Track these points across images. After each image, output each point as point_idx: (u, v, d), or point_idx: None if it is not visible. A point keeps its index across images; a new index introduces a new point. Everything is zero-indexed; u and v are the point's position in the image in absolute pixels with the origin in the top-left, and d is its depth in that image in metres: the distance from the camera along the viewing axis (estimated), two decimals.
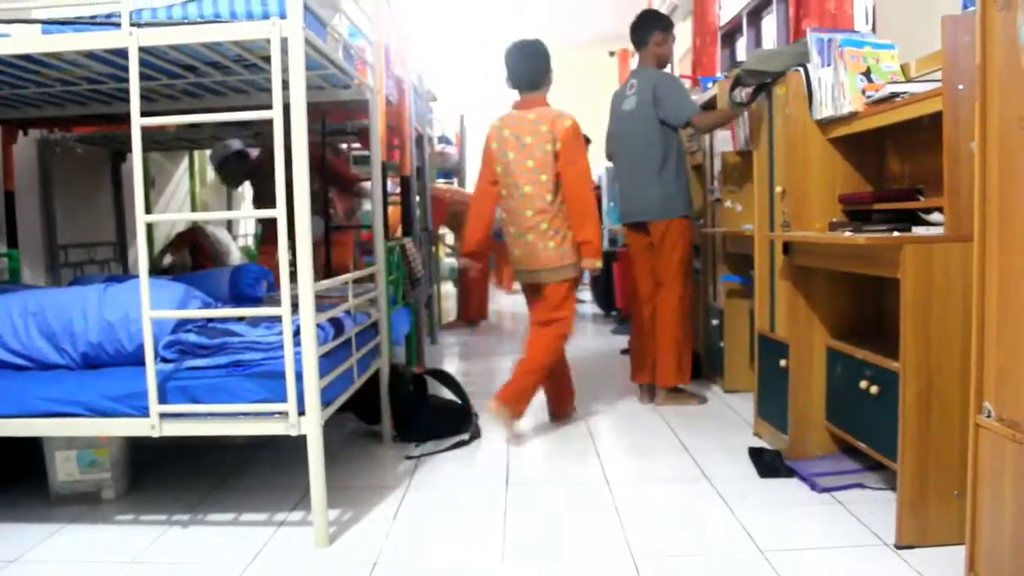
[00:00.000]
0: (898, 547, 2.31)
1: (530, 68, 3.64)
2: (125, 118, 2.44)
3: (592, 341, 6.42)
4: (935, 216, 2.50)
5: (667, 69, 4.31)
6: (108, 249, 4.72)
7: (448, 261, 10.18)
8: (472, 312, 7.65)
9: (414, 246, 4.78)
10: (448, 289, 9.40)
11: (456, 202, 7.53)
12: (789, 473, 2.97)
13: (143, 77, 2.78)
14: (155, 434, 2.49)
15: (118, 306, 2.67)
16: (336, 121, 4.25)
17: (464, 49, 10.89)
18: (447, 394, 3.89)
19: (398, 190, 5.32)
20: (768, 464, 3.04)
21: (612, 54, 11.17)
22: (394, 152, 5.15)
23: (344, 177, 5.01)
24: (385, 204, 3.84)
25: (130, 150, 2.44)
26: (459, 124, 8.53)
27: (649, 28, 4.17)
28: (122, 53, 2.49)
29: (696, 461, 3.21)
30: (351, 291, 3.14)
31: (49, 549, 2.52)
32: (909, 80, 2.83)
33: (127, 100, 2.42)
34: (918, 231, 2.47)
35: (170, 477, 3.19)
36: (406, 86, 5.06)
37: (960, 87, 2.22)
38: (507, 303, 9.30)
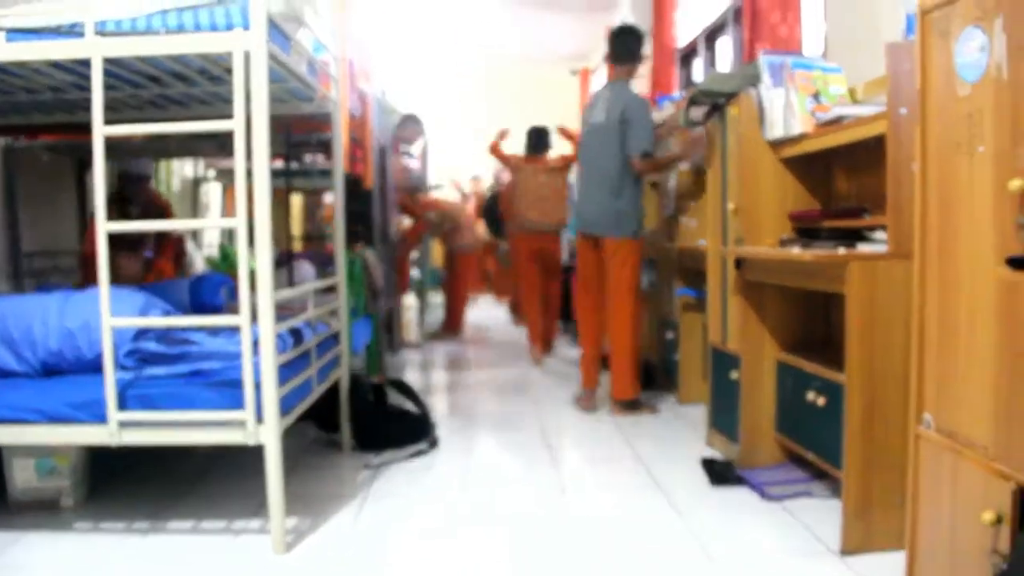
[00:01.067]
0: (843, 553, 2.38)
1: (543, 140, 6.40)
2: (90, 127, 2.44)
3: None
4: (879, 234, 2.58)
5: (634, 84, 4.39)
6: (72, 257, 4.67)
7: (412, 273, 10.15)
8: (454, 323, 7.80)
9: (375, 258, 4.80)
10: (409, 300, 9.38)
11: (443, 212, 7.62)
12: (739, 482, 3.04)
13: (107, 87, 2.78)
14: (114, 442, 2.48)
15: (78, 314, 2.67)
16: (300, 133, 4.27)
17: (428, 67, 10.98)
18: (408, 404, 3.91)
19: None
20: (719, 473, 3.11)
21: (574, 73, 11.44)
22: (357, 164, 5.18)
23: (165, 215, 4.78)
24: (348, 215, 3.87)
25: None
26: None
27: (640, 43, 4.25)
28: (86, 63, 2.49)
29: (650, 471, 3.27)
30: (311, 302, 3.17)
31: (7, 558, 2.50)
32: (856, 103, 2.92)
33: (91, 110, 2.43)
34: (863, 248, 2.55)
35: (130, 484, 3.17)
36: (370, 100, 5.10)
37: (903, 111, 2.31)
38: (473, 316, 9.31)
